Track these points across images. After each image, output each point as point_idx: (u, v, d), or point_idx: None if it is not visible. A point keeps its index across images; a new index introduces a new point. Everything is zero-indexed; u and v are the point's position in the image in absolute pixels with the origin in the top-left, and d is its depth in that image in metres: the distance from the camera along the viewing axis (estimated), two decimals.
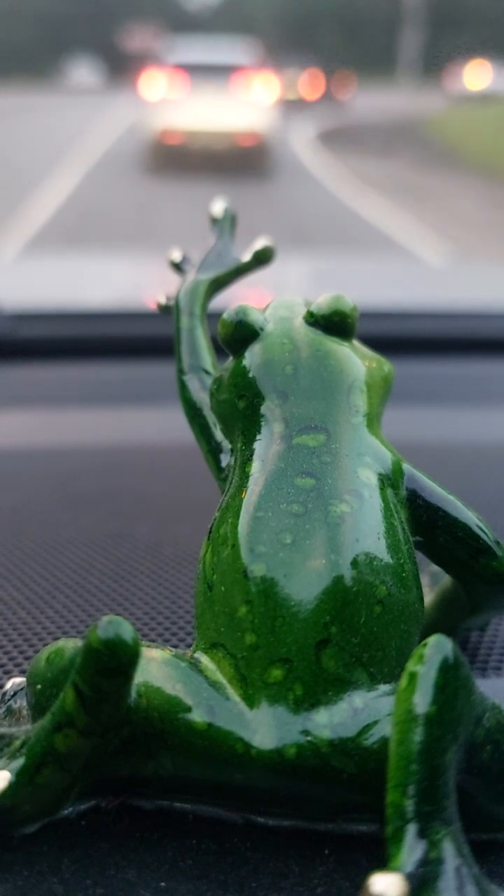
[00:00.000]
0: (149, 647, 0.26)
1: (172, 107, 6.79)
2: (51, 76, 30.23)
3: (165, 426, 0.53)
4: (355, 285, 0.86)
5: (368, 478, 0.28)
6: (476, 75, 18.09)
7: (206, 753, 0.24)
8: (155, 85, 7.04)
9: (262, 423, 0.29)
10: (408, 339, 0.73)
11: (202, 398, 0.33)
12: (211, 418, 0.33)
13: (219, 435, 0.32)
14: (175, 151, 6.75)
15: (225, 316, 0.31)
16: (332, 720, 0.24)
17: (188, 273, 0.39)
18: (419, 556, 0.29)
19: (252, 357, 0.31)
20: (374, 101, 16.45)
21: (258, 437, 0.29)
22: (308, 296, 0.34)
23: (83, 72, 28.53)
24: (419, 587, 0.27)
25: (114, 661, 0.22)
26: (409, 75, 25.69)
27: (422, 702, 0.22)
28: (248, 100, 6.92)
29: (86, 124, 10.22)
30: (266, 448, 0.29)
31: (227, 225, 0.41)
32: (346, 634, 0.25)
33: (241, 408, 0.30)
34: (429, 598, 0.33)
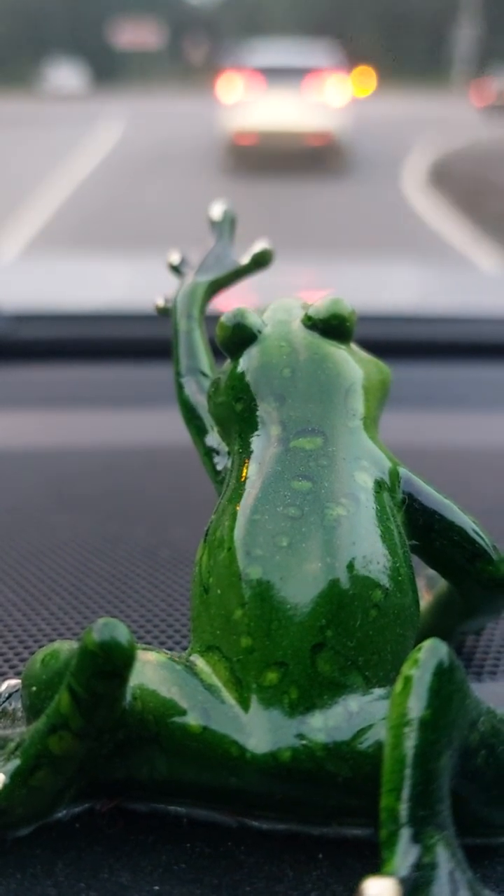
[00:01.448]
0: (144, 649, 0.26)
1: (247, 108, 6.99)
2: (28, 80, 27.07)
3: (163, 428, 0.53)
4: (353, 288, 0.86)
5: (365, 481, 0.28)
6: None
7: (201, 757, 0.24)
8: (231, 87, 7.24)
9: (260, 426, 0.29)
10: (406, 343, 0.73)
11: (200, 400, 0.33)
12: (208, 421, 0.33)
13: (216, 437, 0.32)
14: (248, 152, 6.97)
15: (223, 318, 0.31)
16: (327, 724, 0.24)
17: (187, 275, 0.39)
18: (415, 560, 0.29)
19: (250, 360, 0.31)
20: (446, 110, 13.34)
21: (255, 439, 0.29)
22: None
23: (65, 74, 25.16)
24: (415, 591, 0.27)
25: (109, 664, 0.22)
26: (463, 77, 22.68)
27: (416, 706, 0.22)
28: (320, 101, 7.06)
29: (61, 157, 7.22)
30: (263, 451, 0.29)
31: (226, 227, 0.41)
32: (342, 638, 0.25)
33: (238, 410, 0.30)
34: (424, 601, 0.33)
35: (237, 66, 7.53)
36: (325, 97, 7.11)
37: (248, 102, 7.05)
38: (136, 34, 28.48)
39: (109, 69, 29.92)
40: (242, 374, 0.30)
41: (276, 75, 7.17)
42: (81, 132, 9.66)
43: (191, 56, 28.13)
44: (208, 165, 6.74)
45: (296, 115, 6.90)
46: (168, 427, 0.46)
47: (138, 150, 7.92)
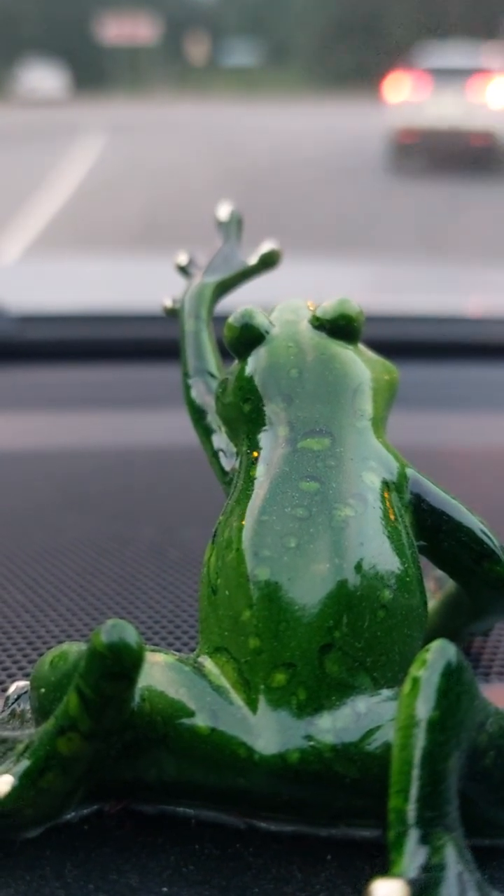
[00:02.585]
0: (153, 651, 0.26)
1: (413, 108, 7.07)
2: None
3: (170, 429, 0.53)
4: (360, 289, 0.86)
5: (373, 482, 0.28)
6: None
7: (209, 758, 0.24)
8: (399, 87, 7.35)
9: (267, 427, 0.29)
10: (414, 343, 0.73)
11: (207, 401, 0.33)
12: (216, 421, 0.33)
13: (223, 438, 0.32)
14: (411, 150, 7.01)
15: (230, 319, 0.31)
16: (335, 725, 0.24)
17: (194, 276, 0.39)
18: (423, 560, 0.29)
19: (257, 360, 0.31)
20: None
21: (263, 440, 0.29)
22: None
23: (40, 77, 21.11)
24: (423, 592, 0.27)
25: (117, 665, 0.22)
26: None
27: (425, 707, 0.22)
28: (484, 102, 7.09)
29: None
30: (271, 452, 0.29)
31: (233, 228, 0.41)
32: (350, 639, 0.25)
33: (245, 411, 0.30)
34: (432, 602, 0.33)
35: (406, 67, 7.69)
36: (489, 98, 7.15)
37: (415, 102, 7.15)
38: (125, 28, 23.44)
39: (95, 70, 24.61)
40: (250, 374, 0.30)
41: (443, 76, 7.26)
42: (38, 157, 6.65)
43: (191, 54, 25.03)
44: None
45: (460, 115, 6.96)
46: (175, 428, 0.46)
47: (109, 211, 4.46)
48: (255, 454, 0.29)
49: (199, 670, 0.26)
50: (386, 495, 0.28)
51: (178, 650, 0.34)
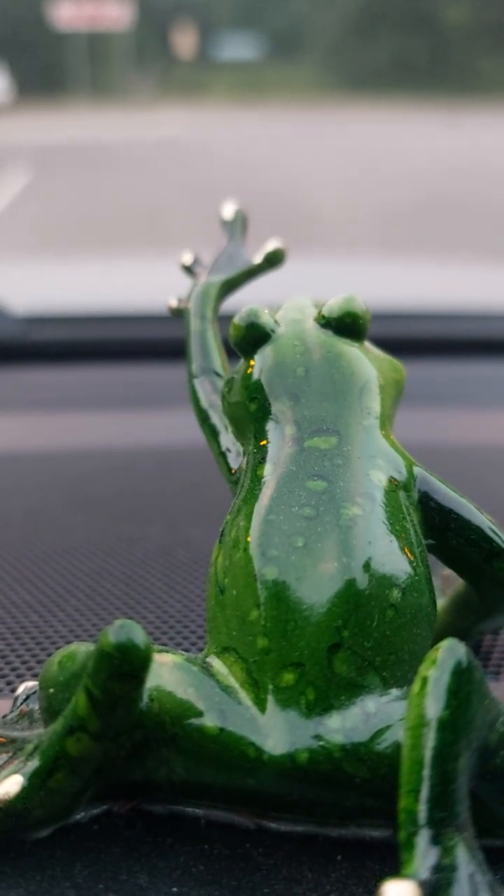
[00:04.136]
0: (160, 650, 0.26)
1: None
2: None
3: (177, 429, 0.53)
4: (366, 286, 0.86)
5: (380, 480, 0.28)
6: None
7: (218, 758, 0.24)
8: None
9: (274, 426, 0.29)
10: (420, 341, 0.72)
11: (213, 401, 0.33)
12: (222, 421, 0.32)
13: (230, 437, 0.32)
14: None
15: (236, 319, 0.31)
16: (344, 725, 0.24)
17: (199, 275, 0.38)
18: (431, 559, 0.29)
19: (263, 359, 0.31)
20: None
21: (270, 439, 0.29)
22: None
23: None
24: (432, 590, 0.27)
25: (126, 665, 0.22)
26: None
27: (434, 706, 0.22)
28: None
29: None
30: (278, 451, 0.29)
31: (238, 227, 0.41)
32: (359, 638, 0.25)
33: (252, 410, 0.30)
34: (441, 601, 0.33)
35: None
36: None
37: None
38: (85, 7, 16.87)
39: (49, 67, 17.82)
40: (256, 373, 0.30)
41: None
42: None
43: (178, 46, 18.53)
44: None
45: None
46: (182, 427, 0.46)
47: None
48: (262, 453, 0.29)
49: (207, 670, 0.26)
50: (394, 494, 0.28)
51: (187, 650, 0.34)
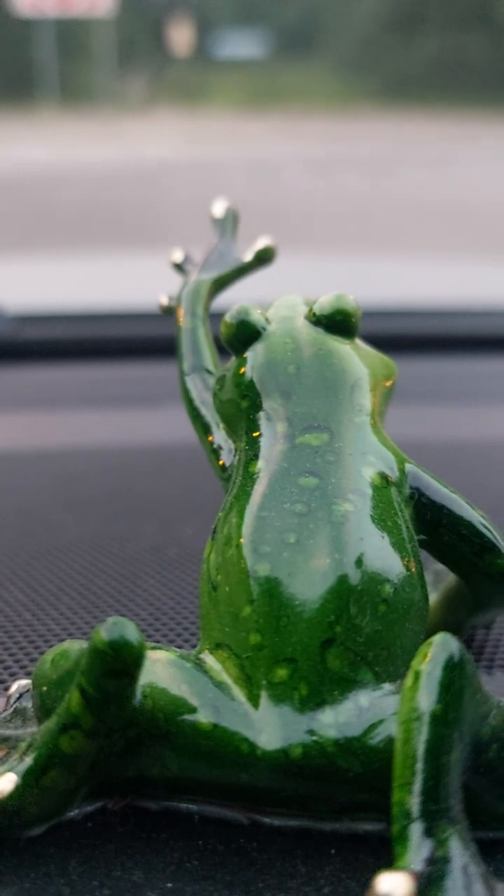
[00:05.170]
0: (154, 647, 0.26)
1: None
2: None
3: (169, 427, 0.53)
4: (357, 283, 0.86)
5: (372, 477, 0.28)
6: None
7: (212, 754, 0.24)
8: None
9: (266, 423, 0.29)
10: (411, 337, 0.73)
11: (205, 398, 0.33)
12: (214, 418, 0.33)
13: (222, 435, 0.32)
14: None
15: (227, 316, 0.31)
16: (337, 720, 0.24)
17: (190, 273, 0.39)
18: (423, 554, 0.29)
19: (255, 357, 0.31)
20: None
21: (261, 436, 0.29)
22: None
23: None
24: (424, 586, 0.27)
25: (119, 663, 0.22)
26: None
27: (427, 700, 0.22)
28: None
29: None
30: (269, 447, 0.29)
31: (228, 224, 0.41)
32: (351, 633, 0.25)
33: (244, 407, 0.30)
34: (433, 596, 0.33)
35: None
36: None
37: None
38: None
39: (15, 66, 13.29)
40: (248, 371, 0.30)
41: None
42: None
43: (174, 41, 14.75)
44: None
45: None
46: (174, 425, 0.46)
47: None
48: (254, 450, 0.29)
49: (200, 667, 0.26)
50: (385, 490, 0.28)
51: (180, 647, 0.34)
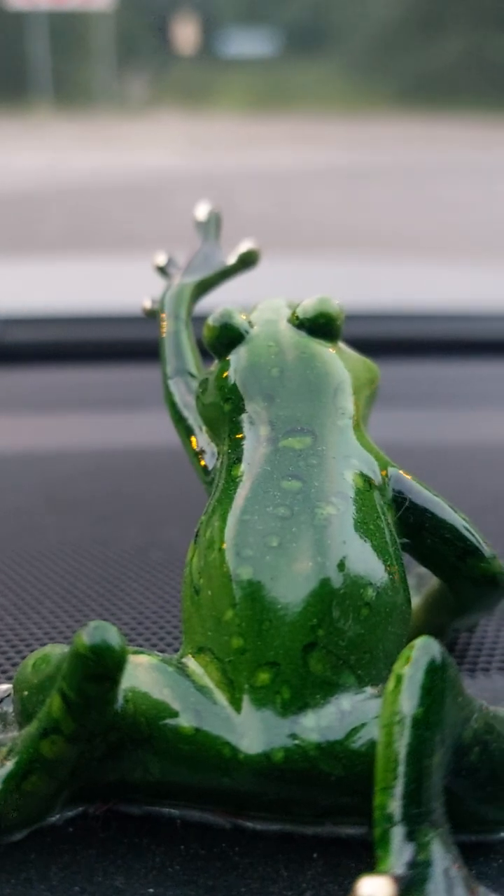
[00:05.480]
0: (136, 652, 0.26)
1: None
2: None
3: (153, 430, 0.53)
4: (342, 287, 0.86)
5: (355, 480, 0.28)
6: None
7: (194, 758, 0.24)
8: None
9: (249, 426, 0.29)
10: (395, 341, 0.73)
11: (188, 401, 0.33)
12: (197, 421, 0.33)
13: (205, 438, 0.32)
14: None
15: (210, 320, 0.31)
16: (319, 723, 0.24)
17: (173, 277, 0.38)
18: (406, 557, 0.29)
19: (238, 360, 0.31)
20: None
21: (244, 439, 0.29)
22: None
23: None
24: (406, 589, 0.27)
25: (100, 667, 0.22)
26: None
27: (409, 704, 0.22)
28: None
29: None
30: (252, 451, 0.29)
31: (212, 228, 0.41)
32: (334, 637, 0.25)
33: (227, 411, 0.30)
34: (416, 599, 0.33)
35: None
36: None
37: None
38: None
39: (8, 62, 12.04)
40: (231, 374, 0.30)
41: None
42: None
43: (179, 37, 13.57)
44: None
45: None
46: (158, 428, 0.46)
47: None
48: (237, 453, 0.29)
49: (182, 671, 0.25)
50: (368, 493, 0.28)
51: (163, 651, 0.34)
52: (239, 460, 0.29)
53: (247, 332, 0.31)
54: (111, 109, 11.32)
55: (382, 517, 0.28)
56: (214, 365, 0.32)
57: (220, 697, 0.25)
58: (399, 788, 0.21)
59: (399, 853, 0.21)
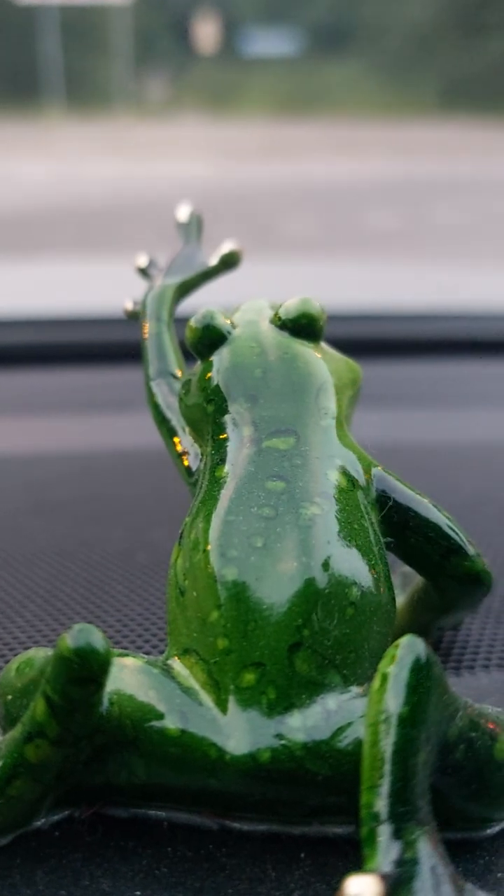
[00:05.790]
0: (120, 654, 0.26)
1: None
2: None
3: (137, 431, 0.53)
4: (327, 287, 0.86)
5: (339, 480, 0.28)
6: None
7: (180, 760, 0.24)
8: None
9: (232, 427, 0.29)
10: (379, 341, 0.73)
11: (171, 403, 0.33)
12: (180, 423, 0.32)
13: (188, 439, 0.32)
14: None
15: (192, 321, 0.31)
16: (305, 723, 0.24)
17: (155, 278, 0.38)
18: (391, 557, 0.29)
19: (220, 361, 0.31)
20: None
21: (228, 440, 0.29)
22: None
23: None
24: (391, 588, 0.27)
25: (84, 670, 0.22)
26: None
27: (394, 702, 0.22)
28: None
29: None
30: (236, 452, 0.29)
31: (193, 229, 0.41)
32: (319, 637, 0.25)
33: (210, 412, 0.30)
34: (401, 598, 0.33)
35: None
36: None
37: None
38: None
39: (19, 61, 11.19)
40: (213, 375, 0.30)
41: None
42: None
43: (199, 35, 12.73)
44: None
45: None
46: (142, 430, 0.46)
47: None
48: (220, 454, 0.29)
49: (167, 672, 0.25)
50: (352, 493, 0.28)
51: (148, 653, 0.34)
52: (223, 461, 0.29)
53: (229, 332, 0.31)
54: (129, 112, 10.41)
55: (367, 517, 0.28)
56: (197, 366, 0.32)
57: (206, 699, 0.25)
58: (385, 787, 0.21)
59: (386, 851, 0.21)
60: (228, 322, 0.32)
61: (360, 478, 0.29)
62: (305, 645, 0.25)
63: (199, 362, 0.32)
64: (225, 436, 0.29)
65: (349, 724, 0.24)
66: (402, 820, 0.21)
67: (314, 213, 3.36)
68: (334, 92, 11.60)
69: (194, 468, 0.31)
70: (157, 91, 12.99)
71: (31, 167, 5.14)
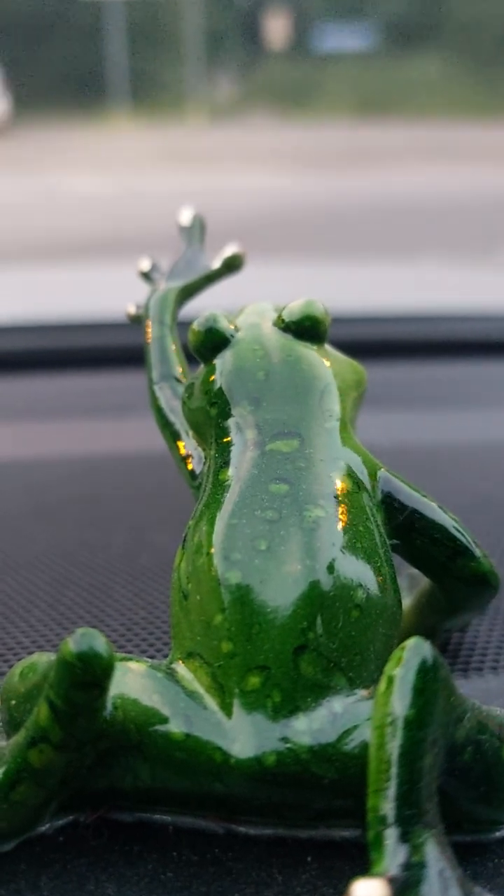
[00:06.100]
0: (124, 658, 0.26)
1: None
2: None
3: (139, 436, 0.53)
4: (331, 290, 0.86)
5: (343, 482, 0.28)
6: None
7: (185, 764, 0.24)
8: None
9: (235, 430, 0.29)
10: (383, 343, 0.73)
11: (174, 406, 0.33)
12: (183, 426, 0.32)
13: (191, 443, 0.32)
14: None
15: (195, 324, 0.31)
16: (311, 726, 0.24)
17: (157, 282, 0.38)
18: (397, 559, 0.29)
19: (224, 364, 0.30)
20: None
21: (231, 443, 0.29)
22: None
23: None
24: (397, 590, 0.27)
25: (88, 674, 0.22)
26: None
27: (400, 705, 0.22)
28: None
29: None
30: (239, 455, 0.29)
31: (196, 232, 0.41)
32: (324, 639, 0.25)
33: (213, 415, 0.30)
34: (407, 600, 0.33)
35: None
36: None
37: None
38: None
39: (85, 61, 9.85)
40: (216, 378, 0.30)
41: None
42: None
43: (270, 32, 11.51)
44: None
45: None
46: (144, 434, 0.46)
47: None
48: (224, 458, 0.29)
49: (171, 676, 0.25)
50: (357, 495, 0.28)
51: (152, 657, 0.34)
52: (226, 464, 0.29)
53: (232, 335, 0.31)
54: (199, 114, 9.58)
55: (372, 519, 0.28)
56: (200, 369, 0.32)
57: (211, 702, 0.25)
58: (392, 790, 0.21)
59: (393, 855, 0.21)
60: (231, 325, 0.32)
61: (365, 480, 0.28)
62: (310, 648, 0.24)
63: (202, 366, 0.32)
64: (228, 439, 0.29)
65: (355, 727, 0.24)
66: (409, 823, 0.21)
67: (449, 231, 2.48)
68: (417, 91, 10.25)
69: (198, 471, 0.31)
70: (226, 91, 11.94)
71: (90, 179, 4.57)
